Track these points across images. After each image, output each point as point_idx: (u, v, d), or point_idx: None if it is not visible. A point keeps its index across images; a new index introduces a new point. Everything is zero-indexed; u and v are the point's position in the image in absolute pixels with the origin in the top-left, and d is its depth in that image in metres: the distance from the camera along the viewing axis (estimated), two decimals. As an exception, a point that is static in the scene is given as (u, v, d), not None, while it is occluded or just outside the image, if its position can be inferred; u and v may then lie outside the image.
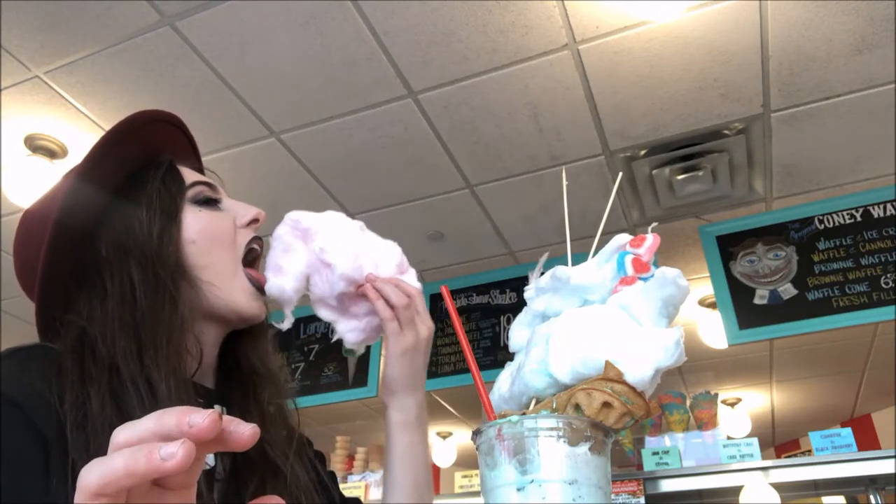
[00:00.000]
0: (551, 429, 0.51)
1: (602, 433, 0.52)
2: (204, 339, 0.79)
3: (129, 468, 0.34)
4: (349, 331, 0.91)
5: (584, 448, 0.51)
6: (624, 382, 0.56)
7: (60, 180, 0.78)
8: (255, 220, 0.85)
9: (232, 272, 0.81)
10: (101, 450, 0.62)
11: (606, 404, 0.55)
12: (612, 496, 0.98)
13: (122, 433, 0.37)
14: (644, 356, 0.57)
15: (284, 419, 0.85)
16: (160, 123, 0.85)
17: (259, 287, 0.83)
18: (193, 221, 0.80)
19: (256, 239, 0.86)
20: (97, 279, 0.74)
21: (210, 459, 0.75)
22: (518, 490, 0.50)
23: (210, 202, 0.84)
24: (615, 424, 0.55)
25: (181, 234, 0.78)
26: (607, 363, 0.57)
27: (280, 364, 0.89)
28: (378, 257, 0.89)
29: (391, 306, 0.87)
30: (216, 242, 0.80)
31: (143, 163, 0.82)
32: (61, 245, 0.73)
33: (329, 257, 0.84)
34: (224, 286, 0.79)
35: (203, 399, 0.77)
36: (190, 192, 0.82)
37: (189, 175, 0.85)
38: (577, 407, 0.56)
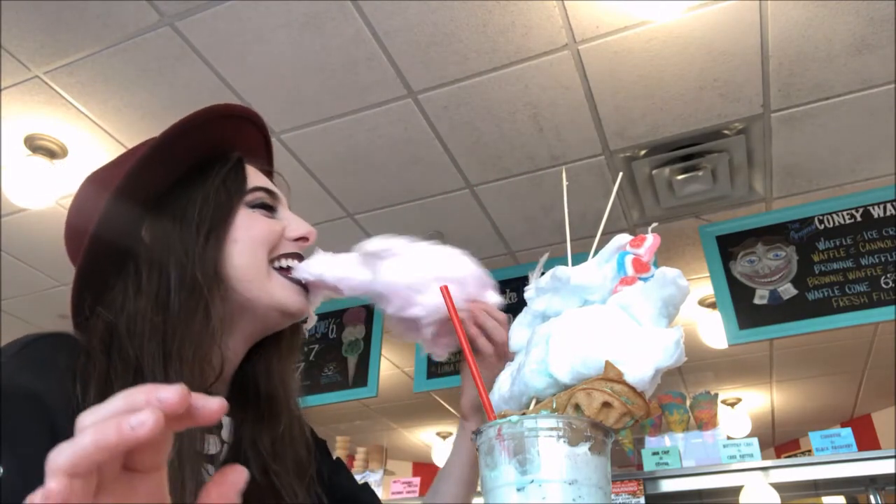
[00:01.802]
0: (551, 429, 0.51)
1: (602, 433, 0.52)
2: (228, 351, 0.76)
3: (99, 442, 0.33)
4: (435, 347, 0.88)
5: (584, 448, 0.51)
6: (624, 382, 0.56)
7: (135, 150, 0.76)
8: (304, 238, 0.83)
9: (266, 273, 0.78)
10: None
11: (606, 404, 0.55)
12: (612, 496, 0.98)
13: (89, 416, 0.35)
14: (644, 356, 0.57)
15: (296, 449, 0.81)
16: (240, 119, 0.84)
17: (299, 282, 0.81)
18: (242, 222, 0.78)
19: (296, 256, 0.82)
20: (134, 268, 0.73)
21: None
22: (518, 490, 0.50)
23: (265, 208, 0.82)
24: (615, 424, 0.55)
25: (227, 235, 0.76)
26: (607, 363, 0.57)
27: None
28: (461, 285, 0.85)
29: (491, 340, 0.83)
30: (258, 242, 0.78)
31: (214, 154, 0.80)
32: (114, 219, 0.72)
33: (411, 313, 0.81)
34: (263, 284, 0.77)
35: None
36: (249, 196, 0.81)
37: (254, 178, 0.83)
38: (577, 407, 0.56)
